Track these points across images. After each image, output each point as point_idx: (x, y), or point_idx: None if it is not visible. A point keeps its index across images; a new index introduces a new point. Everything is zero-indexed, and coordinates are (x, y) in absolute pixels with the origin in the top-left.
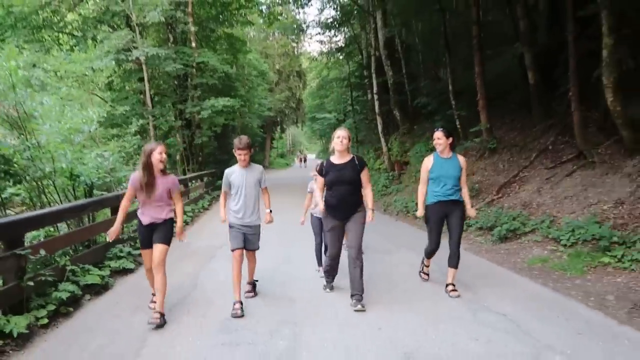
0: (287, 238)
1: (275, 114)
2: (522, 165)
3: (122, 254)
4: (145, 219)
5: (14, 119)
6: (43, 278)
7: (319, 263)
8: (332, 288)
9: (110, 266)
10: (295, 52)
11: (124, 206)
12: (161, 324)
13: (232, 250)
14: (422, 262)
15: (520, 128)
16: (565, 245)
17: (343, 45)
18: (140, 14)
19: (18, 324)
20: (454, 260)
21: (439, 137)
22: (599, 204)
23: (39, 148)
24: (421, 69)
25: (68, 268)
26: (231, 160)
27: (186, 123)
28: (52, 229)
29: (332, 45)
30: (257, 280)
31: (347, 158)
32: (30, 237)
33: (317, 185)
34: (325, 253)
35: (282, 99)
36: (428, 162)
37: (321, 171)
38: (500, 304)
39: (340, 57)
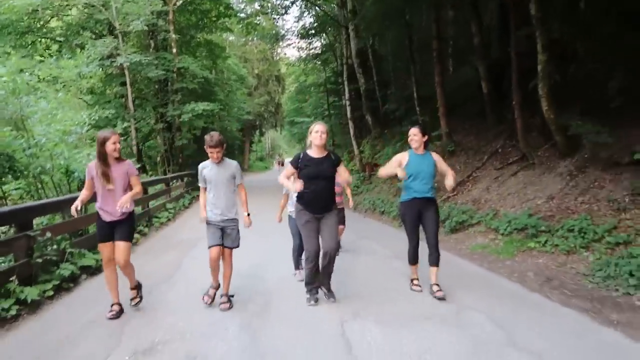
0: (265, 239)
1: (255, 117)
2: (475, 167)
3: None
4: (106, 217)
5: (16, 121)
6: (48, 257)
7: (296, 266)
8: (317, 301)
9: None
10: (274, 57)
11: (83, 195)
12: (140, 296)
13: (209, 248)
14: (411, 279)
15: (476, 133)
16: (502, 234)
17: (319, 52)
18: (123, 22)
19: (31, 293)
20: (433, 258)
21: (415, 134)
22: (534, 199)
23: (39, 147)
24: (391, 76)
25: (67, 251)
26: None
27: (167, 126)
28: (52, 217)
29: (309, 52)
30: (232, 296)
31: (324, 153)
32: (36, 223)
33: (282, 174)
34: (301, 258)
35: (261, 103)
36: (402, 156)
37: (296, 163)
38: (439, 279)
39: (317, 64)
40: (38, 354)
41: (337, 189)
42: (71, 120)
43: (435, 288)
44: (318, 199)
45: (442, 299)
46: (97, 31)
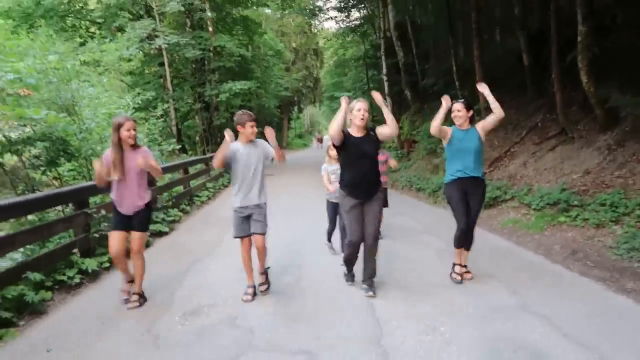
0: (302, 217)
1: (292, 93)
2: (513, 142)
3: (157, 220)
4: (123, 210)
5: (67, 107)
6: (102, 232)
7: (329, 238)
8: (353, 278)
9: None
10: (312, 30)
11: (99, 175)
12: (142, 304)
13: (237, 238)
14: (453, 263)
15: (516, 107)
16: (535, 209)
17: (358, 24)
18: (160, 3)
19: (90, 264)
20: (467, 242)
21: (459, 109)
22: (570, 174)
23: (89, 131)
24: (432, 49)
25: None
26: None
27: (205, 106)
28: (104, 197)
29: (348, 24)
30: (269, 267)
31: (365, 132)
32: (91, 202)
33: (324, 168)
34: (342, 240)
35: (299, 78)
36: (448, 130)
37: (343, 138)
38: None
39: (356, 37)
40: (99, 315)
41: (381, 168)
42: (115, 103)
43: (462, 269)
44: (363, 181)
45: (470, 278)
46: (134, 12)
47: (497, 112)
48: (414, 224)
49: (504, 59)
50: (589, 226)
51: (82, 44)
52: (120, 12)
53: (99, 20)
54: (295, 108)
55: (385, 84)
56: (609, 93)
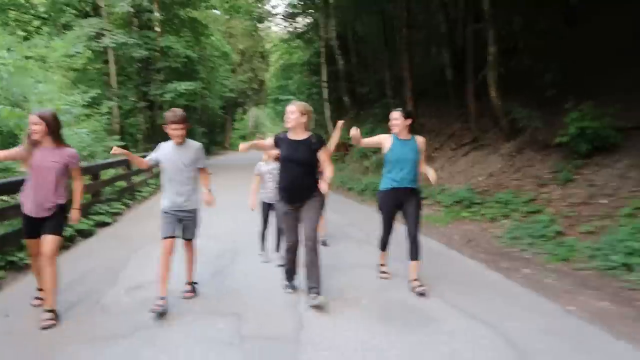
0: (235, 222)
1: (237, 95)
2: (434, 147)
3: (101, 211)
4: (28, 207)
5: (18, 102)
6: None
7: (262, 247)
8: (294, 288)
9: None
10: (259, 34)
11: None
12: (54, 324)
13: (162, 239)
14: (379, 261)
15: (439, 116)
16: (444, 206)
17: (303, 31)
18: (109, 3)
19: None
20: (414, 252)
21: (396, 118)
22: (477, 177)
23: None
24: (369, 59)
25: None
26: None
27: (149, 104)
28: None
29: (294, 30)
30: (196, 283)
31: (303, 135)
32: None
33: (248, 143)
34: (278, 242)
35: (244, 80)
36: (385, 138)
37: (276, 142)
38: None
39: (301, 43)
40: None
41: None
42: (61, 100)
43: (415, 284)
44: (292, 186)
45: (422, 294)
46: (80, 9)
47: (422, 169)
48: (340, 219)
49: (431, 72)
50: (485, 220)
51: (26, 39)
52: (67, 9)
53: (44, 16)
54: (240, 109)
55: (325, 90)
56: (511, 107)
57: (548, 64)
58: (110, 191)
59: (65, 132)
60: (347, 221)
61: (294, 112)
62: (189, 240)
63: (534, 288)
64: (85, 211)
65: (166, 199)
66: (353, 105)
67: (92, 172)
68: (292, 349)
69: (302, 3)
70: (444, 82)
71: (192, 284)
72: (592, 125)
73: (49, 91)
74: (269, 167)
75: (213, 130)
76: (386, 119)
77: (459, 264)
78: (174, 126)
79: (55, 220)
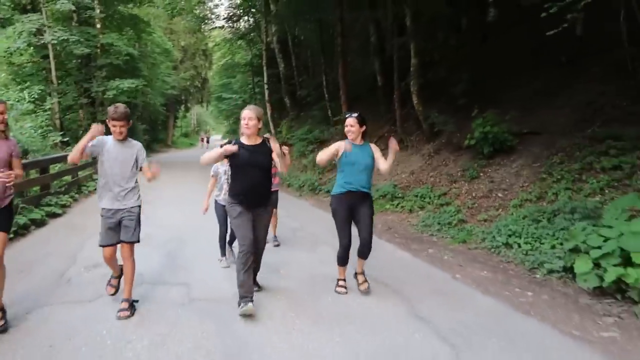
0: (182, 213)
1: (180, 92)
2: None
3: (51, 203)
4: None
5: None
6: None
7: (223, 252)
8: (252, 298)
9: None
10: (202, 31)
11: None
12: (5, 329)
13: (102, 247)
14: (338, 276)
15: (371, 120)
16: (374, 200)
17: (245, 32)
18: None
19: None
20: (365, 251)
21: (352, 125)
22: (401, 174)
23: None
24: (309, 63)
25: (20, 205)
26: (135, 139)
27: (91, 101)
28: None
29: (236, 30)
30: (136, 301)
31: (257, 140)
32: None
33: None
34: (230, 245)
35: (186, 77)
36: (339, 145)
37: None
38: (312, 227)
39: (243, 44)
40: (19, 268)
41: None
42: (5, 96)
43: (360, 278)
44: (251, 192)
45: (366, 293)
46: (17, 2)
47: (384, 168)
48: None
49: (365, 79)
50: (405, 211)
51: None
52: (3, 0)
53: None
54: (182, 107)
55: (266, 92)
56: (430, 113)
57: (460, 75)
58: (58, 184)
59: (12, 128)
60: (285, 213)
61: (253, 119)
62: (129, 244)
63: (434, 263)
64: (37, 202)
65: (104, 197)
66: (293, 107)
67: (42, 165)
68: (231, 307)
69: (242, 8)
70: (375, 88)
71: (130, 301)
72: (492, 130)
73: None
74: (225, 168)
75: (155, 128)
76: (324, 121)
77: (376, 247)
78: (114, 123)
79: (5, 215)
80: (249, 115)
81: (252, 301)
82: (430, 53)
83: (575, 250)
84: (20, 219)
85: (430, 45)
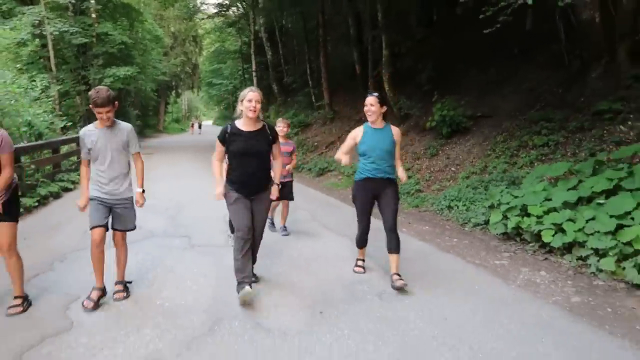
0: (178, 186)
1: (170, 78)
2: (345, 130)
3: (63, 179)
4: None
5: None
6: (29, 182)
7: (232, 230)
8: (251, 284)
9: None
10: (192, 18)
11: None
12: (25, 309)
13: (91, 229)
14: (357, 256)
15: (351, 104)
16: (345, 176)
17: (234, 20)
18: None
19: (28, 202)
20: (393, 244)
21: (372, 104)
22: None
23: (10, 107)
24: (295, 51)
25: (40, 180)
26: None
27: (87, 88)
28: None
29: (225, 19)
30: (130, 282)
31: (257, 125)
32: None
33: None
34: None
35: (177, 63)
36: (356, 132)
37: (223, 137)
38: (301, 202)
39: (233, 31)
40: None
41: (284, 160)
42: (19, 85)
43: (395, 277)
44: (248, 180)
45: (400, 288)
46: None
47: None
48: None
49: (345, 67)
50: None
51: None
52: None
53: None
54: (173, 93)
55: (254, 79)
56: (400, 98)
57: (425, 65)
58: (67, 164)
59: (25, 112)
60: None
61: (259, 101)
62: (120, 232)
63: (414, 234)
64: (52, 177)
65: (95, 188)
66: (280, 93)
67: (53, 147)
68: (224, 251)
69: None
70: (354, 76)
71: (123, 283)
72: (449, 114)
73: (3, 76)
74: None
75: (146, 114)
76: (309, 106)
77: (345, 211)
78: (99, 110)
79: (9, 204)
80: (256, 97)
81: (250, 285)
82: (399, 45)
83: (492, 207)
84: (42, 191)
85: (400, 37)
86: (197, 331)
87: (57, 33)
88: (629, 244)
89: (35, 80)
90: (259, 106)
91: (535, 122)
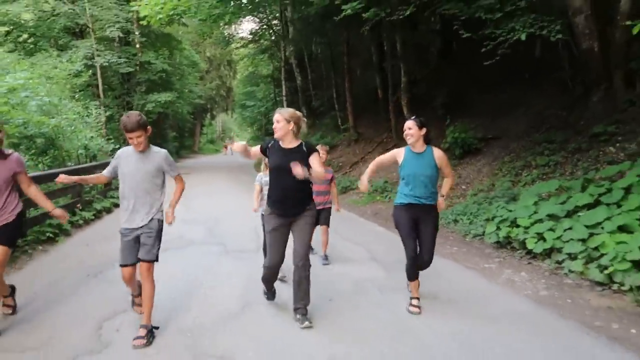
0: (212, 203)
1: (206, 101)
2: (367, 151)
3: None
4: None
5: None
6: (87, 198)
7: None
8: (274, 295)
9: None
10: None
11: None
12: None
13: (121, 267)
14: (408, 288)
15: (373, 127)
16: (367, 194)
17: (266, 48)
18: (99, 29)
19: (87, 214)
20: (421, 268)
21: (410, 127)
22: (392, 172)
23: (67, 133)
24: (324, 76)
25: (95, 197)
26: (165, 145)
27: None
28: None
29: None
30: (157, 327)
31: (295, 143)
32: None
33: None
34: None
35: (212, 87)
36: (398, 153)
37: (265, 147)
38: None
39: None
40: (96, 240)
41: (322, 187)
42: (74, 112)
43: (414, 302)
44: (285, 197)
45: (412, 312)
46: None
47: (445, 191)
48: None
49: (369, 92)
50: (391, 201)
51: (26, 54)
52: (55, 26)
53: (34, 32)
54: (208, 115)
55: (284, 103)
56: None
57: (440, 91)
58: (116, 182)
59: (82, 137)
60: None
61: (280, 121)
62: (147, 262)
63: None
64: (104, 194)
65: (125, 214)
66: (309, 116)
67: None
68: (254, 255)
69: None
70: (376, 100)
71: (149, 327)
72: (461, 136)
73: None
74: (267, 179)
75: (183, 135)
76: (335, 129)
77: (362, 225)
78: (129, 135)
79: (10, 229)
80: (278, 117)
81: (306, 315)
82: (415, 72)
83: (488, 220)
84: (97, 206)
85: (416, 66)
86: (232, 311)
87: (107, 64)
88: (596, 249)
89: (89, 107)
90: (278, 125)
91: (539, 143)
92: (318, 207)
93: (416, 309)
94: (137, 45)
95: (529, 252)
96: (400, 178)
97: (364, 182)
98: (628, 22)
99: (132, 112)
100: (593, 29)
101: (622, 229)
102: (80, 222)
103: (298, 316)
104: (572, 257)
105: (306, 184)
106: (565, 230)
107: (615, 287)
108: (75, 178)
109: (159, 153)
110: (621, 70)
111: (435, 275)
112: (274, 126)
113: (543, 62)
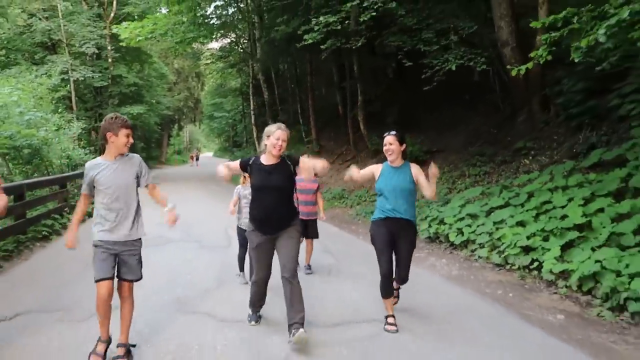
0: (186, 211)
1: (174, 112)
2: (330, 162)
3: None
4: None
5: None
6: (73, 203)
7: (241, 268)
8: (258, 319)
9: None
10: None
11: None
12: None
13: (97, 282)
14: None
15: (334, 140)
16: (326, 200)
17: (234, 63)
18: (74, 45)
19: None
20: (399, 284)
21: (391, 143)
22: (349, 182)
23: (57, 143)
24: (290, 92)
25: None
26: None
27: None
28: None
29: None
30: (134, 345)
31: (277, 160)
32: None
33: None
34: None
35: (180, 98)
36: (376, 168)
37: (245, 164)
38: None
39: (232, 72)
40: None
41: (308, 197)
42: (60, 126)
43: (390, 320)
44: (267, 215)
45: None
46: (43, 42)
47: (429, 195)
48: None
49: (331, 108)
50: (347, 206)
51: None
52: (29, 40)
53: (6, 45)
54: (176, 126)
55: (252, 117)
56: (372, 136)
57: (392, 109)
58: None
59: (67, 147)
60: None
61: (285, 141)
62: (128, 282)
63: (351, 233)
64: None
65: (100, 230)
66: None
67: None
68: (225, 250)
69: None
70: (337, 116)
71: (127, 346)
72: (410, 149)
73: (51, 118)
74: (246, 192)
75: (150, 146)
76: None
77: (325, 229)
78: (127, 132)
79: None
80: (283, 137)
81: (302, 327)
82: (370, 92)
83: (423, 219)
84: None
85: (373, 86)
86: (211, 287)
87: (82, 79)
88: (498, 239)
89: (72, 121)
90: (284, 145)
91: (473, 156)
92: (305, 218)
93: (393, 327)
94: (110, 60)
95: (452, 244)
96: (378, 194)
97: (353, 171)
98: (509, 67)
99: (117, 114)
100: (518, 59)
101: (520, 224)
102: (68, 223)
103: (292, 331)
104: (482, 246)
105: (289, 202)
106: (478, 226)
107: (508, 267)
108: (74, 229)
109: (133, 158)
110: (537, 96)
111: (370, 264)
112: (278, 144)
113: (480, 86)
